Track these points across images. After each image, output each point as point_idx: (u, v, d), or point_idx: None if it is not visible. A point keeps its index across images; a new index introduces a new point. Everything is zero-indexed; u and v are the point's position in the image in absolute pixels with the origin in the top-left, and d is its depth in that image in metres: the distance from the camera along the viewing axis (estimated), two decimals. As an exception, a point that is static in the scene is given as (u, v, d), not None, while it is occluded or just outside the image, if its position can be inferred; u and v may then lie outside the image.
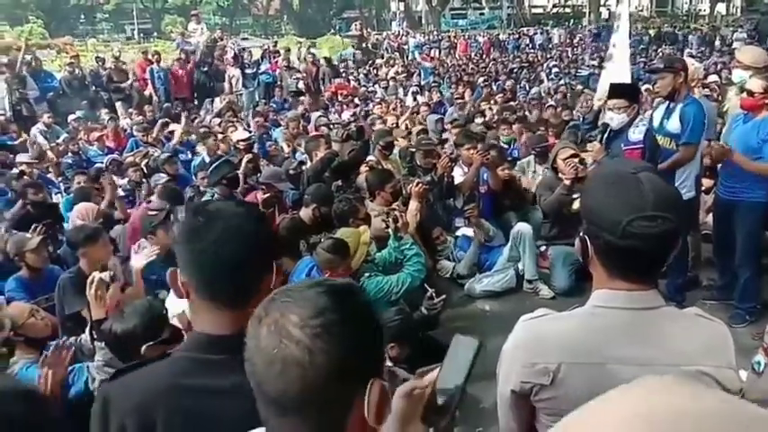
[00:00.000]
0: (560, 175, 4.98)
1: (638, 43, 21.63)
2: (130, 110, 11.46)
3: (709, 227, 5.36)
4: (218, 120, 9.95)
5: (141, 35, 32.87)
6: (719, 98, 7.24)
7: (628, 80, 6.56)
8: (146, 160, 7.36)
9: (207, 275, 1.23)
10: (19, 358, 2.86)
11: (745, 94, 4.04)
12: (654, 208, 1.21)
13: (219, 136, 7.76)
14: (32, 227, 4.20)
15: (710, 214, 5.49)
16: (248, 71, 13.77)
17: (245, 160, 5.71)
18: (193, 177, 6.37)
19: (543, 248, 5.49)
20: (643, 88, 8.90)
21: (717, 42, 21.48)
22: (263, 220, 1.28)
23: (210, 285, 1.23)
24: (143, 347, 2.28)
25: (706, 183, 5.32)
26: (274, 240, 1.34)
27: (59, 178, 7.61)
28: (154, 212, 4.62)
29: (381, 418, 0.89)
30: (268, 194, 4.76)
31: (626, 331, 1.28)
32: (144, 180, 6.49)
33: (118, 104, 11.56)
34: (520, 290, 5.03)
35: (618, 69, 7.27)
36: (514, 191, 5.83)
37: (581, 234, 1.34)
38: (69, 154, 8.25)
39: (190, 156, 7.83)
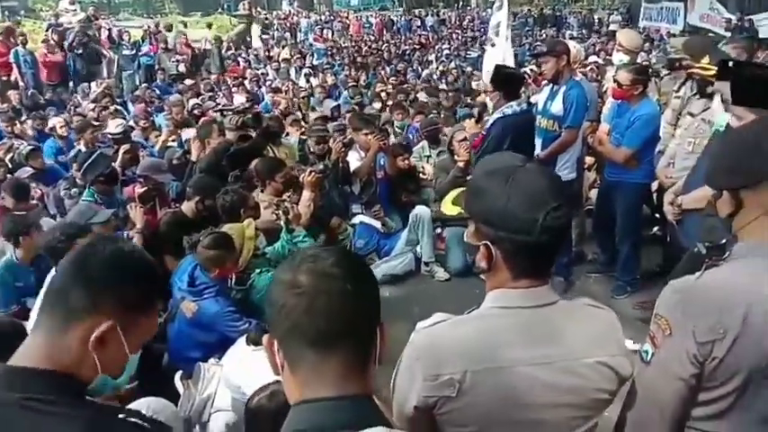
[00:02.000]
0: (456, 157, 5.02)
1: (524, 25, 22.47)
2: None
3: (593, 203, 5.63)
4: (93, 106, 9.19)
5: (6, 14, 29.82)
6: (599, 78, 7.61)
7: (511, 62, 6.64)
8: (10, 154, 6.63)
9: None
10: None
11: (615, 85, 4.21)
12: (555, 198, 1.20)
13: (95, 124, 7.12)
14: None
15: (593, 190, 5.78)
16: (126, 53, 12.83)
17: (121, 151, 5.26)
18: (65, 170, 5.82)
19: (439, 230, 5.55)
20: (528, 69, 9.21)
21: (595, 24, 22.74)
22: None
23: None
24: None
25: (588, 160, 5.56)
26: (89, 287, 1.14)
27: None
28: (22, 213, 4.17)
29: (384, 358, 1.02)
30: (146, 188, 4.40)
31: (526, 331, 1.24)
32: (8, 177, 5.81)
33: None
34: (418, 273, 5.05)
35: (500, 52, 7.38)
36: (413, 179, 5.83)
37: (483, 242, 1.26)
38: None
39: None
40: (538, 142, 4.42)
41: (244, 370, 2.73)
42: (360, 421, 0.93)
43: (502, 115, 4.32)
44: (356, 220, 5.30)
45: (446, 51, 16.71)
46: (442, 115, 7.68)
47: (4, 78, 11.30)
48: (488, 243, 1.25)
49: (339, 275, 0.96)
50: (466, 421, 1.23)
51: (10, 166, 6.14)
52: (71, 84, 11.90)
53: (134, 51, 12.89)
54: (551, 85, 4.42)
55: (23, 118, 8.31)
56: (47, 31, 13.16)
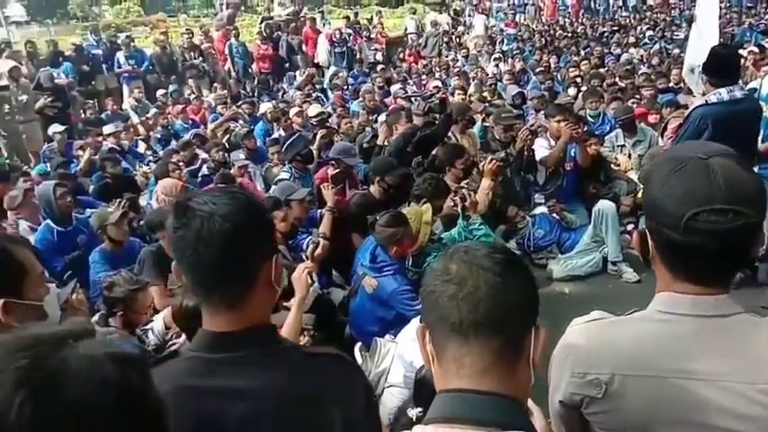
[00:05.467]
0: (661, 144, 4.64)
1: (739, 1, 19.65)
2: (215, 84, 11.75)
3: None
4: (299, 93, 10.03)
5: (228, 9, 33.54)
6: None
7: (715, 41, 5.73)
8: (227, 136, 7.53)
9: (191, 278, 1.19)
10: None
11: None
12: (725, 200, 1.05)
13: (295, 110, 7.78)
14: (116, 202, 4.37)
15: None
16: (337, 50, 13.36)
17: (319, 135, 5.69)
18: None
19: (631, 227, 5.17)
20: (746, 52, 8.05)
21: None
22: (247, 210, 1.17)
23: (197, 287, 1.19)
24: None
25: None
26: (267, 232, 1.25)
27: (149, 151, 7.96)
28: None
29: (538, 363, 0.98)
30: (338, 170, 4.72)
31: (693, 341, 1.12)
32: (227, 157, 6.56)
33: (190, 82, 11.68)
34: (603, 272, 4.76)
35: (706, 31, 6.39)
36: (604, 170, 5.49)
37: (641, 228, 1.21)
38: (159, 128, 8.59)
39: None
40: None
41: (417, 348, 2.81)
42: (495, 419, 0.91)
43: (704, 103, 3.82)
44: (537, 210, 5.14)
45: (649, 33, 15.31)
46: (642, 102, 7.09)
47: (221, 69, 12.76)
48: (646, 231, 1.19)
49: (489, 267, 0.95)
50: (613, 426, 1.17)
51: (227, 146, 6.99)
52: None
53: (342, 48, 13.43)
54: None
55: (239, 103, 9.30)
56: (260, 24, 14.58)
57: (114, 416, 0.64)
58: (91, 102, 10.10)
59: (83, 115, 9.68)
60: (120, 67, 11.25)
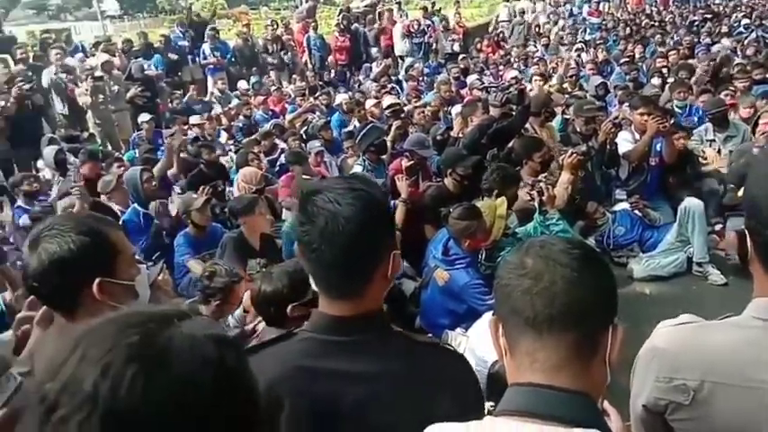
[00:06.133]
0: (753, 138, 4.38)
1: None
2: (294, 76, 11.99)
3: None
4: (374, 84, 10.09)
5: (308, 2, 34.16)
6: None
7: None
8: (305, 127, 7.69)
9: (312, 270, 1.22)
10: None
11: None
12: None
13: (371, 101, 7.82)
14: (200, 188, 4.57)
15: None
16: (415, 41, 13.25)
17: (394, 126, 5.71)
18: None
19: (719, 227, 4.90)
20: None
21: None
22: (370, 209, 1.18)
23: (317, 279, 1.23)
24: (289, 308, 2.34)
25: None
26: (388, 228, 1.26)
27: (230, 141, 8.25)
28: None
29: (614, 362, 0.96)
30: (412, 161, 4.72)
31: None
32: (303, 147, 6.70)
33: (272, 73, 11.92)
34: (687, 273, 4.53)
35: None
36: (692, 166, 5.22)
37: (740, 228, 1.13)
38: (241, 117, 8.86)
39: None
40: None
41: (489, 343, 2.79)
42: (568, 416, 0.90)
43: None
44: (618, 206, 4.96)
45: (745, 21, 14.32)
46: (735, 95, 6.67)
47: (299, 61, 12.99)
48: (744, 230, 1.11)
49: (565, 262, 0.94)
50: None
51: (304, 137, 7.15)
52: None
53: (421, 39, 13.26)
54: None
55: (317, 95, 9.46)
56: (338, 16, 14.73)
57: (212, 395, 0.66)
58: (178, 92, 10.53)
59: (170, 105, 10.12)
60: (205, 58, 11.68)
